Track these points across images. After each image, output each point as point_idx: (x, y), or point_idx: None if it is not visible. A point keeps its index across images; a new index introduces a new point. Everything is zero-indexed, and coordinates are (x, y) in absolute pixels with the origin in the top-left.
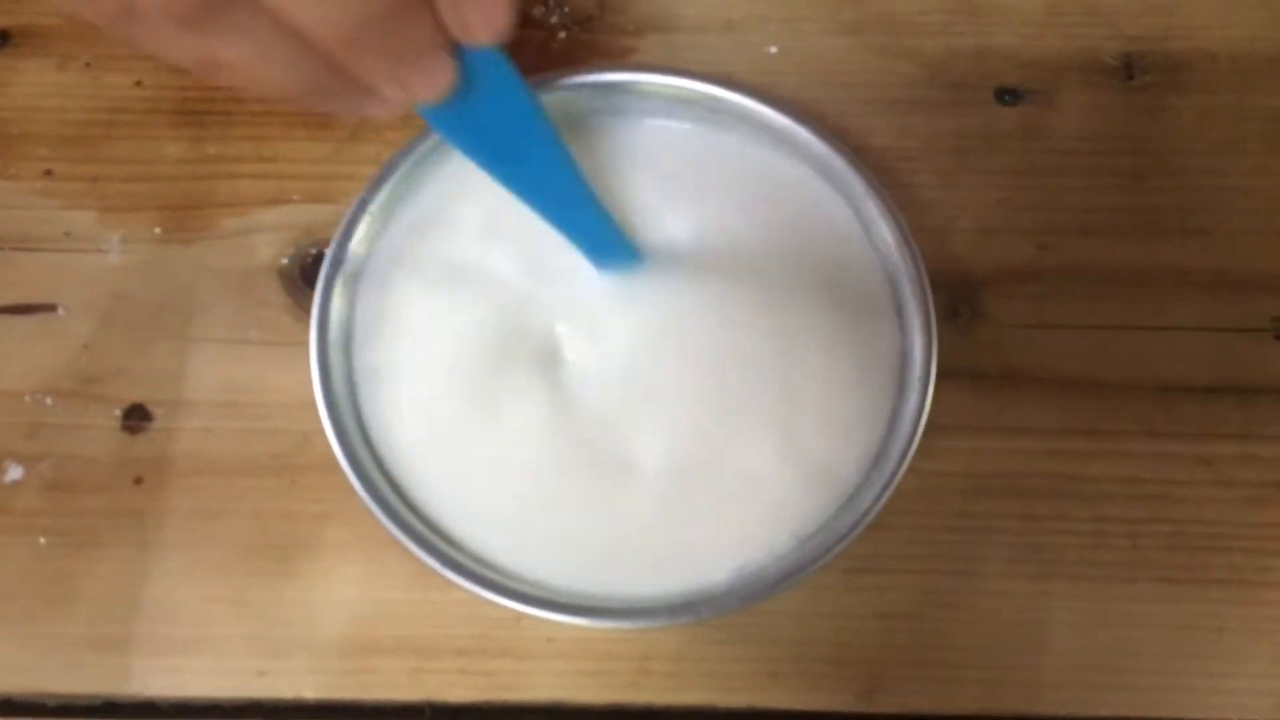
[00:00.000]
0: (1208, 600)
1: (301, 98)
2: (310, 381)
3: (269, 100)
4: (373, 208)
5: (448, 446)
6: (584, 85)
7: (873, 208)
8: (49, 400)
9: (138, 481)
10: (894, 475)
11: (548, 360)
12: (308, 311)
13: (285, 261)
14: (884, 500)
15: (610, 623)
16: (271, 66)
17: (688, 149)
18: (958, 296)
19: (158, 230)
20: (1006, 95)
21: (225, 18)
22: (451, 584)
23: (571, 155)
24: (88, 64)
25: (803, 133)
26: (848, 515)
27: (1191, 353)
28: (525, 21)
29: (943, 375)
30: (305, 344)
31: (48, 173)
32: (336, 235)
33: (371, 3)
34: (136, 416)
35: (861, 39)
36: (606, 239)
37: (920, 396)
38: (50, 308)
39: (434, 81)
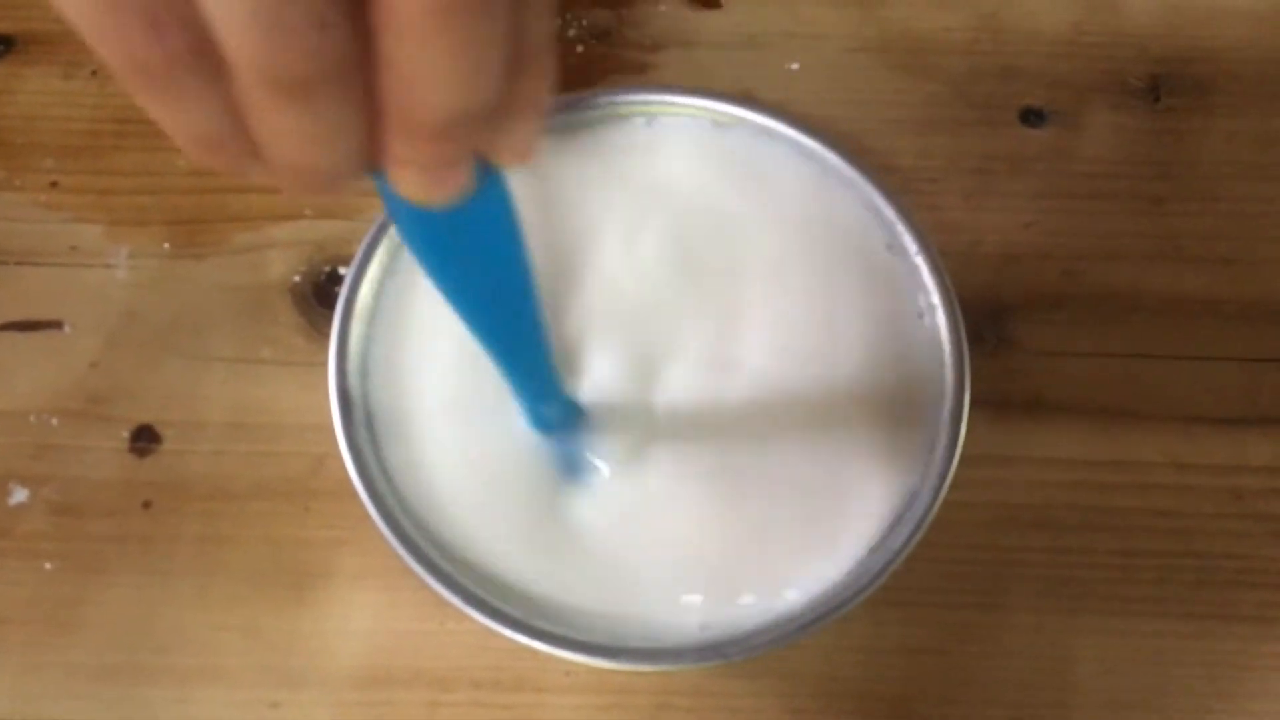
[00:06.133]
0: (1235, 637)
1: (320, 174)
2: (323, 403)
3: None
4: (392, 229)
5: (466, 470)
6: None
7: (903, 233)
8: (55, 421)
9: (146, 505)
10: (926, 515)
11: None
12: (321, 331)
13: (297, 279)
14: (916, 540)
15: (635, 665)
16: (329, 140)
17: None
18: (983, 322)
19: (167, 245)
20: (1032, 116)
21: (325, 91)
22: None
23: (539, 298)
24: (94, 72)
25: (832, 156)
26: (880, 555)
27: (1220, 383)
28: None
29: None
30: (318, 365)
31: (54, 184)
32: (356, 256)
33: (490, 89)
34: (145, 438)
35: (884, 56)
36: (548, 393)
37: (951, 436)
38: (56, 325)
39: (455, 182)
